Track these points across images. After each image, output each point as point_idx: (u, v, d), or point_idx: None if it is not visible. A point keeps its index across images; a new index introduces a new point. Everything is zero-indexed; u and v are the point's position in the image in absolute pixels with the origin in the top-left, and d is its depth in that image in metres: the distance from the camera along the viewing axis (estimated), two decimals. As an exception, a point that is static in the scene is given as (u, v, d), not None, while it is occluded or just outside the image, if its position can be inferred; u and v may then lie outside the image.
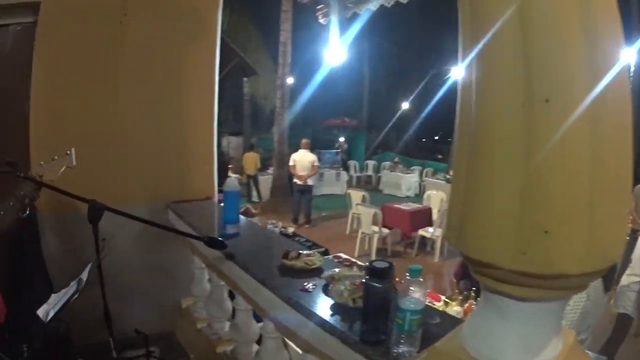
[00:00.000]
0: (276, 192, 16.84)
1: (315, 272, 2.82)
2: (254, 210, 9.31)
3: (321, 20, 10.73)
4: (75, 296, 2.85)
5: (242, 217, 4.00)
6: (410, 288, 1.84)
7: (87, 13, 4.30)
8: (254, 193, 17.07)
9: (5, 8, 4.29)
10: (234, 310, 3.74)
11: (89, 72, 4.41)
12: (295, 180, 13.53)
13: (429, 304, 1.98)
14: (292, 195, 14.29)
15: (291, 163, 13.52)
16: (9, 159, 2.89)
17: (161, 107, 4.80)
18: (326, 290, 2.51)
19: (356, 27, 11.74)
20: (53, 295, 2.82)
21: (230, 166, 17.10)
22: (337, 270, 2.71)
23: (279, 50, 16.66)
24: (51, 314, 2.74)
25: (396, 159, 22.46)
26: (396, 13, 11.92)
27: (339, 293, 2.38)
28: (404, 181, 19.51)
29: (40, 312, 2.77)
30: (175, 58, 4.82)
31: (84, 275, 2.90)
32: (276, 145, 17.04)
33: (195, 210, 4.48)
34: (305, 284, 2.65)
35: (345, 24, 11.29)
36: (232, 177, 3.84)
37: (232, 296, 3.88)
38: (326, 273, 2.68)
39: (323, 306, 2.40)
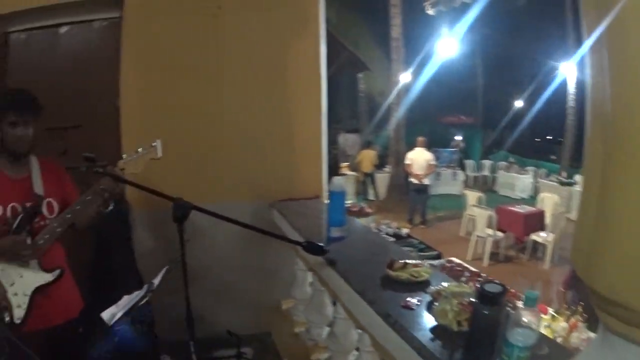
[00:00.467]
0: (392, 190, 16.70)
1: (421, 286, 2.53)
2: (368, 210, 9.11)
3: (430, 11, 10.44)
4: (144, 301, 2.74)
5: (354, 218, 3.74)
6: (523, 319, 1.60)
7: (176, 7, 4.24)
8: (371, 191, 16.96)
9: (89, 4, 4.30)
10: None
11: (181, 67, 4.33)
12: (411, 179, 13.34)
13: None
14: (408, 195, 14.08)
15: (407, 161, 13.34)
16: (86, 154, 2.86)
17: (264, 102, 4.63)
18: (430, 308, 2.22)
19: (467, 18, 11.37)
20: (125, 297, 2.74)
21: (346, 164, 17.07)
22: (445, 285, 2.40)
23: (392, 45, 16.44)
24: (117, 317, 2.66)
25: (511, 159, 21.81)
26: (506, 2, 11.48)
27: (444, 313, 2.08)
28: (518, 182, 18.96)
29: (107, 314, 2.69)
30: (276, 51, 4.64)
31: (157, 280, 2.78)
32: (392, 143, 16.89)
33: (300, 210, 4.29)
34: (409, 299, 2.37)
35: (455, 14, 10.95)
36: (340, 176, 3.59)
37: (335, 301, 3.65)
38: (433, 288, 2.41)
39: (424, 327, 2.12)
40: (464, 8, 9.06)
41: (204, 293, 4.11)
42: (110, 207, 2.93)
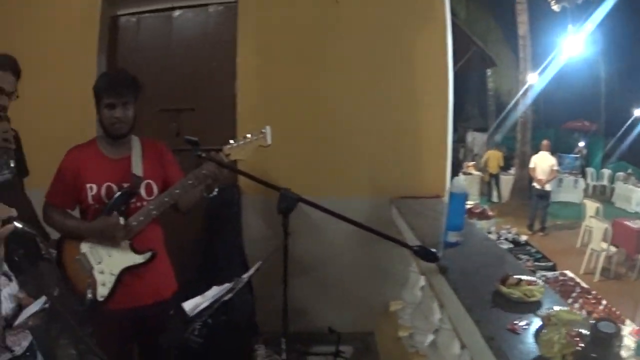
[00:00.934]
0: (515, 194, 16.34)
1: (532, 307, 2.29)
2: (490, 213, 8.78)
3: (554, 7, 9.98)
4: (228, 296, 2.65)
5: (474, 222, 3.52)
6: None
7: None
8: (494, 193, 16.57)
9: None
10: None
11: (299, 55, 4.24)
12: (534, 183, 12.91)
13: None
14: (530, 199, 13.61)
15: (531, 165, 12.93)
16: (189, 137, 2.72)
17: (386, 94, 4.43)
18: (537, 335, 2.00)
19: (593, 18, 10.78)
20: (214, 288, 2.65)
21: (472, 163, 16.69)
22: (556, 309, 2.17)
23: (519, 44, 15.90)
24: (200, 308, 2.58)
25: (629, 170, 20.36)
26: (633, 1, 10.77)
27: (550, 344, 1.85)
28: (635, 195, 17.53)
29: (190, 304, 2.63)
30: (399, 41, 4.44)
31: (246, 275, 2.69)
32: (519, 145, 16.47)
33: (419, 210, 4.06)
34: (517, 321, 2.15)
35: (580, 13, 10.43)
36: (465, 175, 3.35)
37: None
38: (543, 311, 2.16)
39: (526, 356, 1.89)
40: (590, 6, 8.56)
41: (310, 286, 4.08)
42: (215, 193, 2.85)
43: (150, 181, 2.98)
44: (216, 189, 2.85)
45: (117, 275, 2.88)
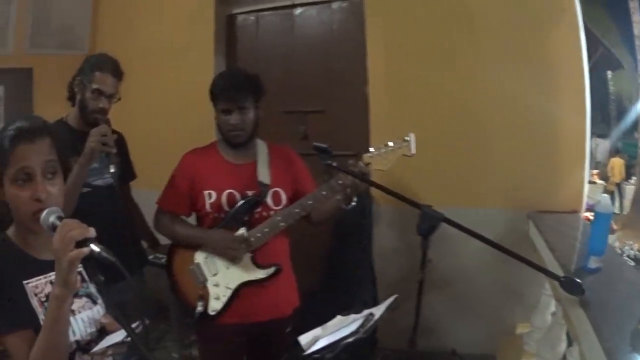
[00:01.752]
0: (637, 205, 15.28)
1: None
2: (614, 226, 8.24)
3: None
4: (354, 337, 2.21)
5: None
6: None
7: None
8: (616, 204, 15.68)
9: None
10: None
11: (431, 55, 3.96)
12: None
13: None
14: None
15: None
16: (318, 144, 2.48)
17: (522, 97, 4.06)
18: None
19: None
20: (337, 318, 2.22)
21: (596, 171, 15.97)
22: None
23: (635, 44, 15.08)
24: (319, 346, 2.13)
25: None
26: None
27: None
28: None
29: (306, 338, 2.18)
30: (532, 39, 4.08)
31: (378, 311, 2.24)
32: (640, 152, 15.54)
33: (556, 227, 3.70)
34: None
35: None
36: (589, 184, 2.98)
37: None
38: None
39: None
40: None
41: (437, 303, 3.83)
42: (354, 203, 2.59)
43: (278, 189, 2.79)
44: (355, 200, 2.59)
45: (233, 290, 2.74)
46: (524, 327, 4.06)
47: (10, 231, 1.68)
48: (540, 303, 3.79)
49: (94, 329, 1.75)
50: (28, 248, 1.67)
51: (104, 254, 1.36)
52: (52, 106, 4.72)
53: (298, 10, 4.36)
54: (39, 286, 1.63)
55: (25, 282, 1.61)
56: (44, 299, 1.62)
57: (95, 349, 1.72)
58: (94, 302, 1.80)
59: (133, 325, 1.72)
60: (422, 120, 3.83)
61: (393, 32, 3.89)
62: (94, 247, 1.36)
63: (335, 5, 4.19)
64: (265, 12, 4.52)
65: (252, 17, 4.58)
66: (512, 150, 4.09)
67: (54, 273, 1.60)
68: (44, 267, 1.66)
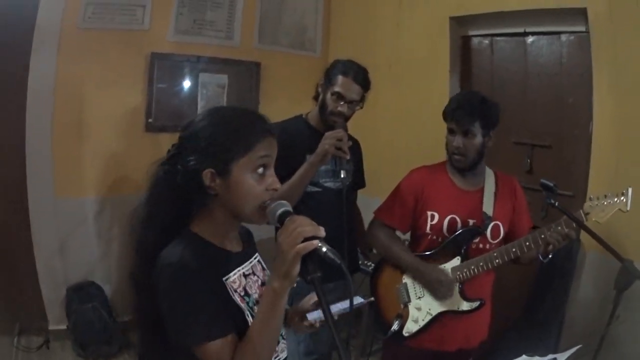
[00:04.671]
0: None
1: None
2: None
3: None
4: None
5: None
6: None
7: None
8: None
9: (555, 13, 3.84)
10: None
11: None
12: None
13: None
14: None
15: None
16: (545, 181, 2.45)
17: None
18: None
19: None
20: (523, 357, 2.07)
21: None
22: None
23: None
24: None
25: None
26: None
27: None
28: None
29: None
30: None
31: (561, 358, 2.05)
32: None
33: None
34: None
35: None
36: None
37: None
38: None
39: None
40: None
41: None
42: (550, 257, 2.49)
43: (498, 222, 2.70)
44: (551, 255, 2.48)
45: (434, 316, 2.70)
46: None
47: (195, 227, 1.61)
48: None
49: None
50: (220, 242, 1.62)
51: (331, 255, 1.34)
52: (278, 101, 5.03)
53: (530, 39, 4.20)
54: (236, 281, 1.61)
55: (224, 279, 1.57)
56: (243, 294, 1.60)
57: (312, 317, 1.78)
58: None
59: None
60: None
61: (620, 69, 3.53)
62: (323, 247, 1.35)
63: (564, 37, 3.98)
64: (499, 38, 4.42)
65: (486, 41, 4.52)
66: None
67: (246, 265, 1.68)
68: (238, 260, 1.67)
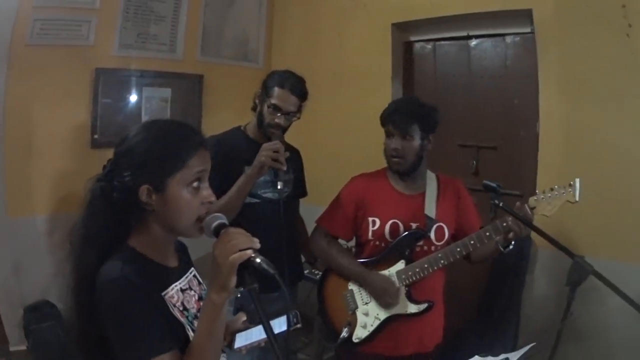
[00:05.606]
0: None
1: None
2: None
3: None
4: None
5: None
6: None
7: (587, 23, 3.51)
8: None
9: (500, 16, 3.94)
10: None
11: (605, 93, 3.53)
12: None
13: None
14: None
15: None
16: (488, 182, 2.48)
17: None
18: None
19: None
20: (475, 358, 2.06)
21: None
22: None
23: None
24: None
25: None
26: None
27: None
28: None
29: None
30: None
31: (513, 357, 2.06)
32: None
33: None
34: None
35: None
36: None
37: None
38: None
39: None
40: None
41: (572, 357, 3.56)
42: (511, 247, 2.51)
43: (442, 224, 2.72)
44: (513, 244, 2.50)
45: (382, 321, 2.69)
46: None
47: (133, 241, 1.58)
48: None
49: None
50: (158, 257, 1.62)
51: (264, 265, 1.35)
52: (222, 113, 4.99)
53: (473, 42, 4.26)
54: (174, 296, 1.60)
55: (162, 294, 1.56)
56: (182, 308, 1.60)
57: (239, 345, 1.80)
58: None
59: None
60: (591, 168, 3.50)
61: (564, 70, 3.56)
62: (256, 258, 1.37)
63: (508, 39, 4.04)
64: (442, 42, 4.47)
65: (429, 46, 4.56)
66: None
67: (182, 280, 1.67)
68: (175, 275, 1.66)
